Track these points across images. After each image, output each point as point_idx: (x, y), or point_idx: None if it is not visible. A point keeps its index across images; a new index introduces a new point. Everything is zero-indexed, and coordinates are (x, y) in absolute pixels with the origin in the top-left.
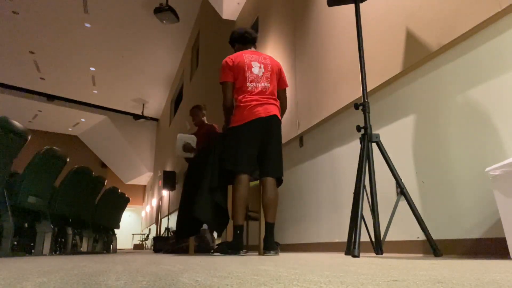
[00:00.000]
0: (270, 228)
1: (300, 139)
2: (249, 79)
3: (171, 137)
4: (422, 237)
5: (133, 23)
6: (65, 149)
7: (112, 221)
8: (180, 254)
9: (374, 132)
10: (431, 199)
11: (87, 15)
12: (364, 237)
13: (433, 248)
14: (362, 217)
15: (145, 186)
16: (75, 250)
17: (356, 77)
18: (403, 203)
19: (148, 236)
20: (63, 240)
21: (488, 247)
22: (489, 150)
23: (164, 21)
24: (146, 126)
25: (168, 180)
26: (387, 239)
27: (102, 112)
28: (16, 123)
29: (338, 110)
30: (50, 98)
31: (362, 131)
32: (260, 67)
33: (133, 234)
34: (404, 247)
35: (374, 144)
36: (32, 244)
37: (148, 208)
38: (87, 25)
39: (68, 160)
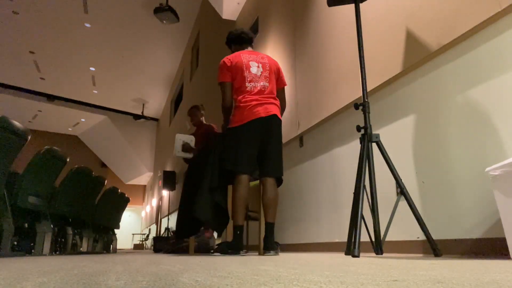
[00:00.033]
0: (270, 228)
1: (300, 139)
2: (248, 79)
3: (171, 137)
4: (422, 237)
5: (133, 23)
6: (65, 149)
7: (112, 221)
8: (180, 254)
9: (374, 132)
10: (431, 199)
11: (87, 15)
12: (364, 237)
13: (433, 248)
14: (362, 217)
15: (145, 186)
16: (75, 250)
17: (356, 77)
18: (403, 203)
19: (148, 236)
20: (63, 240)
21: (488, 247)
22: (489, 150)
23: (164, 21)
24: (146, 126)
25: (168, 180)
26: (387, 239)
27: (102, 112)
28: (16, 123)
29: (338, 110)
30: (50, 98)
31: (362, 131)
32: (258, 66)
33: (133, 234)
34: (404, 247)
35: (374, 144)
36: (32, 244)
37: (148, 208)
38: (87, 25)
39: (68, 160)
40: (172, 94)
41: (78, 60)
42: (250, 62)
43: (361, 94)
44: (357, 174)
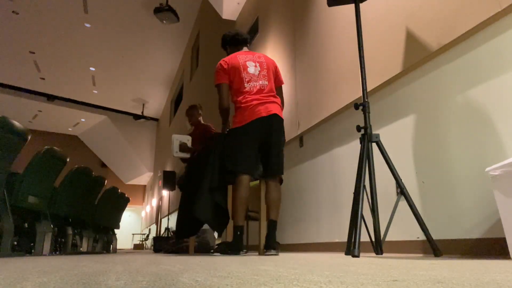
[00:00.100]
0: (273, 225)
1: (300, 139)
2: (246, 79)
3: (171, 137)
4: (422, 237)
5: (133, 23)
6: (65, 149)
7: (112, 221)
8: (180, 254)
9: (374, 132)
10: (431, 199)
11: (87, 15)
12: (364, 237)
13: (433, 248)
14: (362, 217)
15: (145, 186)
16: (75, 250)
17: (356, 77)
18: (403, 203)
19: (148, 236)
20: (63, 240)
21: (488, 247)
22: (489, 150)
23: (164, 21)
24: (146, 126)
25: (168, 180)
26: (387, 239)
27: (102, 112)
28: (16, 123)
29: (338, 110)
30: (50, 98)
31: (362, 131)
32: (255, 66)
33: (133, 234)
34: (404, 247)
35: (374, 144)
36: (32, 244)
37: (148, 208)
38: (87, 25)
39: (68, 160)
40: (172, 94)
41: (78, 60)
42: (247, 62)
43: (361, 94)
44: (357, 174)
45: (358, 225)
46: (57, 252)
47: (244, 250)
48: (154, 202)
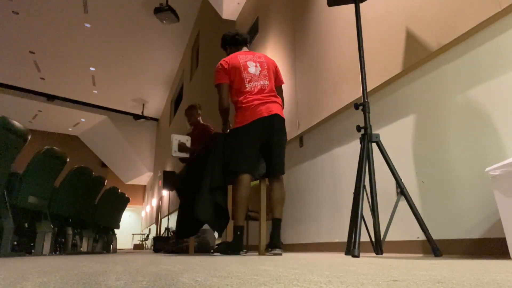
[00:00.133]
0: (277, 223)
1: (300, 139)
2: (247, 79)
3: (170, 137)
4: (422, 237)
5: (133, 23)
6: (65, 149)
7: (112, 221)
8: (180, 254)
9: (374, 132)
10: (431, 199)
11: (87, 15)
12: (364, 237)
13: (433, 248)
14: (362, 217)
15: (145, 186)
16: (75, 250)
17: (356, 77)
18: (403, 203)
19: (148, 236)
20: (63, 240)
21: (488, 247)
22: (489, 150)
23: (164, 21)
24: (146, 126)
25: (168, 180)
26: (387, 239)
27: (102, 112)
28: (16, 123)
29: (338, 110)
30: (50, 98)
31: (362, 131)
32: (256, 66)
33: (133, 234)
34: (404, 247)
35: (374, 144)
36: (32, 244)
37: (148, 208)
38: (87, 25)
39: (68, 160)
40: (172, 94)
41: (78, 60)
42: (248, 62)
43: (361, 94)
44: (357, 174)
45: (358, 225)
46: (57, 252)
47: (244, 250)
48: (154, 202)
